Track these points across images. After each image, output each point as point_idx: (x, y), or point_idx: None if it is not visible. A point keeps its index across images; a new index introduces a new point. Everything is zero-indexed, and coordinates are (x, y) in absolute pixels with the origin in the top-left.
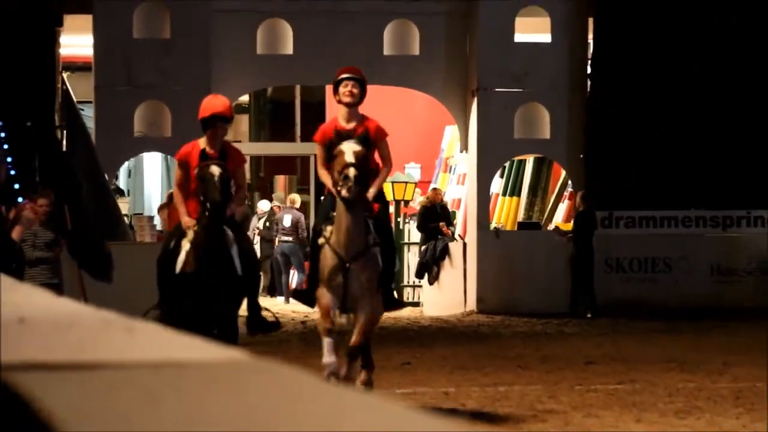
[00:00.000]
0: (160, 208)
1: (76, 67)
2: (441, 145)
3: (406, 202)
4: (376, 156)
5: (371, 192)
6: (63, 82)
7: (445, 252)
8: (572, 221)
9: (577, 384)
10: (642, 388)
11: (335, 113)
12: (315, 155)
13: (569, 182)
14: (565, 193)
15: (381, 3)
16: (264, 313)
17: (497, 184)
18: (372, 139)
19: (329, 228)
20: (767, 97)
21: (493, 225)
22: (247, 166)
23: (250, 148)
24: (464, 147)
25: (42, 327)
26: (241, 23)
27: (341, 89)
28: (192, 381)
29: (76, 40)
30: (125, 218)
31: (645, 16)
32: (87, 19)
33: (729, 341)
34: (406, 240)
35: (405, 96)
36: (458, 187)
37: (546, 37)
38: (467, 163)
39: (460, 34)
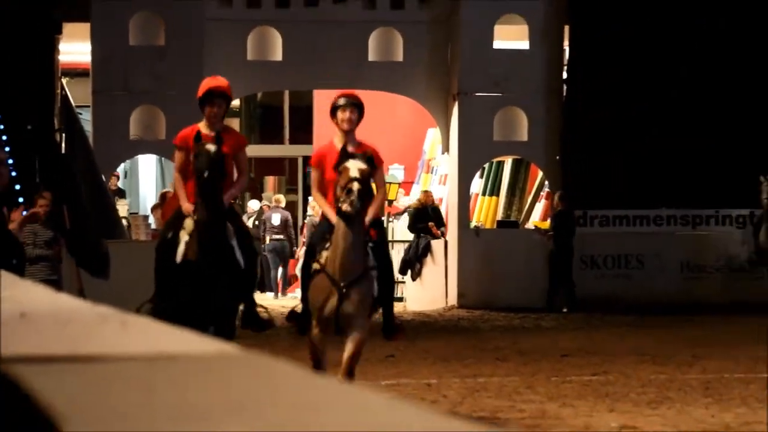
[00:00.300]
0: (154, 208)
1: (75, 73)
2: (423, 147)
3: (390, 202)
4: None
5: (368, 216)
6: (62, 88)
7: (428, 249)
8: (551, 220)
9: (553, 375)
10: (615, 379)
11: (323, 116)
12: (302, 157)
13: (546, 183)
14: (541, 193)
15: (366, 12)
16: (258, 310)
17: (477, 184)
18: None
19: (324, 254)
20: (731, 101)
21: (473, 224)
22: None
23: None
24: (446, 149)
25: (42, 321)
26: (232, 31)
27: (339, 114)
28: (183, 373)
29: (75, 48)
30: (127, 218)
31: (617, 25)
32: (85, 28)
33: (698, 335)
34: (390, 238)
35: (389, 100)
36: (440, 188)
37: (524, 44)
38: (448, 164)
39: (442, 41)
